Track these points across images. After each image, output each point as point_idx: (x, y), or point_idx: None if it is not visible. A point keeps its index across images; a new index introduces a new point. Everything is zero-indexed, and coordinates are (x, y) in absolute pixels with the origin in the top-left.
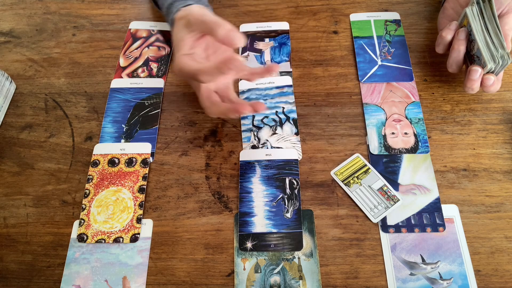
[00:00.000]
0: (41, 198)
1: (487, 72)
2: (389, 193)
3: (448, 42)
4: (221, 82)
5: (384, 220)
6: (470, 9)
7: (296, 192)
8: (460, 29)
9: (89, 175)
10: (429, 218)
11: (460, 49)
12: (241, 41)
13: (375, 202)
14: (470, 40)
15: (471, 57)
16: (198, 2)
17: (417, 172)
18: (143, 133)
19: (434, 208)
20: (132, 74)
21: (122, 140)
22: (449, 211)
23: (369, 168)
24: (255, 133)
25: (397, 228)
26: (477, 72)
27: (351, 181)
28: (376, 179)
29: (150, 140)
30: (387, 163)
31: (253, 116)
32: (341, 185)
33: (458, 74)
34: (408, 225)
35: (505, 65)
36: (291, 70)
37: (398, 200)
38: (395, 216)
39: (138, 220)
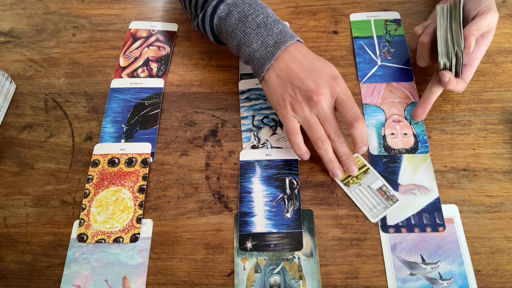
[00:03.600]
0: (41, 198)
1: (443, 68)
2: (388, 193)
3: (418, 36)
4: None
5: (384, 220)
6: (441, 6)
7: (296, 192)
8: (430, 24)
9: (89, 175)
10: (429, 218)
11: (423, 42)
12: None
13: (374, 202)
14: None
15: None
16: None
17: (417, 172)
18: (143, 133)
19: (434, 208)
20: (132, 74)
21: (122, 140)
22: (449, 211)
23: (368, 168)
24: (255, 133)
25: (397, 228)
26: (445, 76)
27: (350, 181)
28: (375, 179)
29: (150, 140)
30: (387, 163)
31: (253, 116)
32: (340, 185)
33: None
34: (408, 225)
35: (461, 63)
36: None
37: (397, 200)
38: (395, 216)
39: (138, 220)
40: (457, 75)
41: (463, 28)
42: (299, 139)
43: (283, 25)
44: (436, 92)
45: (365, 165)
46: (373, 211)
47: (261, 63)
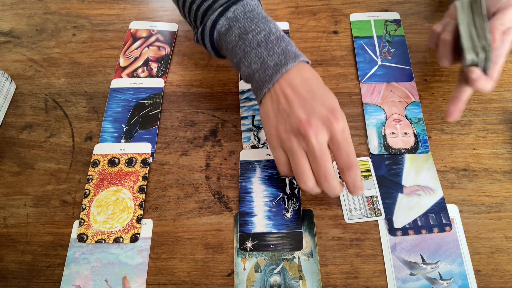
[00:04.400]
0: (41, 198)
1: (471, 65)
2: (375, 205)
3: (438, 34)
4: None
5: (390, 223)
6: (461, 1)
7: (296, 192)
8: (450, 20)
9: (89, 175)
10: (435, 219)
11: (445, 39)
12: None
13: (357, 205)
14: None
15: (460, 52)
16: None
17: (420, 172)
18: (143, 133)
19: (439, 208)
20: (132, 74)
21: (122, 140)
22: (449, 211)
23: (371, 175)
24: (255, 133)
25: (404, 230)
26: (473, 73)
27: None
28: (371, 188)
29: (150, 140)
30: (390, 166)
31: (253, 116)
32: (336, 173)
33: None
34: (415, 227)
35: (489, 58)
36: None
37: (380, 215)
38: (401, 218)
39: (138, 220)
40: (484, 72)
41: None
42: (287, 171)
43: (286, 43)
44: (466, 91)
45: (369, 171)
46: (351, 213)
47: (259, 86)
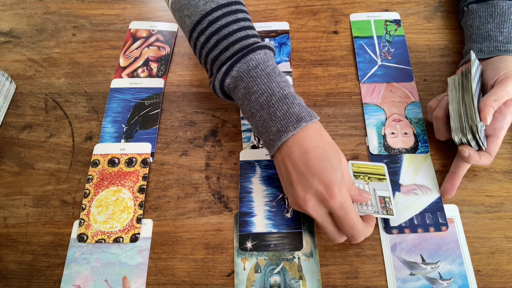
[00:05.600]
0: (41, 198)
1: (461, 144)
2: (388, 205)
3: (433, 110)
4: None
5: (386, 221)
6: (452, 78)
7: None
8: (444, 97)
9: (89, 175)
10: (432, 218)
11: (438, 117)
12: None
13: (368, 202)
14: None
15: None
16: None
17: (418, 172)
18: (143, 133)
19: (436, 208)
20: (132, 74)
21: (122, 140)
22: (449, 211)
23: (385, 179)
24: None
25: (400, 229)
26: (464, 152)
27: (361, 176)
28: (384, 189)
29: (150, 140)
30: (388, 164)
31: None
32: (350, 171)
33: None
34: (411, 226)
35: (479, 137)
36: (291, 70)
37: (392, 214)
38: (397, 217)
39: (138, 220)
40: (480, 148)
41: (482, 98)
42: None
43: (289, 105)
44: (462, 166)
45: (384, 175)
46: (362, 207)
47: (267, 147)
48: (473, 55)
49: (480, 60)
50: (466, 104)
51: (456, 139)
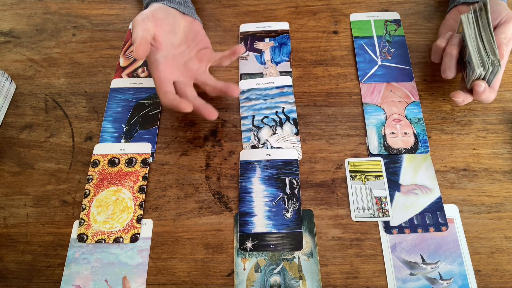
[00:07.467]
0: (41, 198)
1: (477, 79)
2: (384, 206)
3: (442, 49)
4: (198, 71)
5: (386, 221)
6: (466, 16)
7: (296, 192)
8: (454, 34)
9: (89, 175)
10: (432, 218)
11: (452, 54)
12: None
13: (365, 204)
14: (464, 46)
15: (464, 64)
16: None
17: (417, 172)
18: (143, 133)
19: (436, 208)
20: (132, 74)
21: (122, 140)
22: (449, 211)
23: (382, 176)
24: (255, 133)
25: (400, 229)
26: (480, 86)
27: (358, 176)
28: (381, 188)
29: (150, 140)
30: (388, 164)
31: (253, 116)
32: (346, 174)
33: (459, 73)
34: (411, 226)
35: (496, 72)
36: (291, 70)
37: (388, 216)
38: (397, 217)
39: (138, 220)
40: (488, 84)
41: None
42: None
43: None
44: (467, 99)
45: (381, 172)
46: (358, 211)
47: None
48: None
49: (474, 3)
50: (484, 40)
51: (478, 72)
